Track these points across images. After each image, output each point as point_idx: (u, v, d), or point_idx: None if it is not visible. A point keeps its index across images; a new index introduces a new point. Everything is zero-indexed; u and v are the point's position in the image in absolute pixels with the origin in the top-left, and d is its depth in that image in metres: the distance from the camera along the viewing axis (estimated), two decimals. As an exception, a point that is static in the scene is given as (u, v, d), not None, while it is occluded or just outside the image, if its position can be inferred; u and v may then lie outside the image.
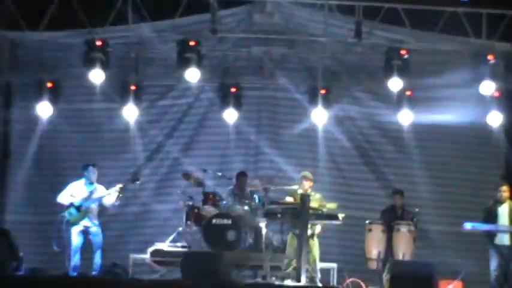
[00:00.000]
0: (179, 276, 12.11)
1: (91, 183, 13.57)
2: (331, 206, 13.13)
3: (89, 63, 14.27)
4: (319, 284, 12.79)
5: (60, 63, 14.88)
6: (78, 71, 14.63)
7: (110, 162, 15.08)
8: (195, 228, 14.02)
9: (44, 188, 15.07)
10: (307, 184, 13.24)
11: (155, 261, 13.80)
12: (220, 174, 14.57)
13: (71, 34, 14.45)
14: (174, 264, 13.29)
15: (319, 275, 13.12)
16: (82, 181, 13.60)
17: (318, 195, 13.26)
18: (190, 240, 13.93)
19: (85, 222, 13.37)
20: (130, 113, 15.01)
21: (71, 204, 13.38)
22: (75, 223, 13.31)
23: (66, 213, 13.33)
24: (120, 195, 13.53)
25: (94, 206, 13.49)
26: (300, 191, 13.14)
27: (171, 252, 13.60)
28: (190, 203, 14.09)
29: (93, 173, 13.57)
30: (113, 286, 11.67)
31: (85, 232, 13.37)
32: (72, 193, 13.47)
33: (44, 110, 14.78)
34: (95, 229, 13.39)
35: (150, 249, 13.81)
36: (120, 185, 13.51)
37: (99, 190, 13.55)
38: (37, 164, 15.30)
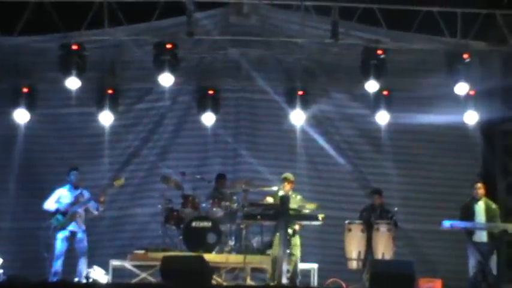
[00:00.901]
0: (159, 280, 12.05)
1: (76, 188, 13.48)
2: (311, 206, 13.14)
3: (65, 68, 14.21)
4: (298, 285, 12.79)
5: (36, 68, 14.79)
6: (54, 76, 14.55)
7: (87, 167, 14.95)
8: (174, 231, 13.98)
9: (22, 193, 14.98)
10: (288, 186, 13.23)
11: (135, 266, 13.73)
12: (199, 177, 14.53)
13: (47, 38, 14.37)
14: (154, 268, 13.25)
15: (299, 277, 13.12)
16: (67, 186, 13.51)
17: (299, 197, 13.25)
18: (170, 243, 13.88)
19: (72, 228, 13.28)
20: (107, 117, 14.97)
21: (57, 210, 13.29)
22: (62, 228, 13.22)
23: (53, 220, 13.25)
24: (102, 199, 13.46)
25: (81, 211, 13.39)
26: (280, 193, 13.13)
27: (151, 256, 13.53)
28: (170, 205, 14.05)
29: (74, 176, 13.48)
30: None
31: (70, 238, 13.27)
32: (58, 199, 13.38)
33: (21, 115, 14.70)
34: (80, 235, 13.31)
35: (130, 254, 13.76)
36: (102, 198, 13.41)
37: (85, 195, 13.46)
38: (14, 169, 15.19)
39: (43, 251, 13.25)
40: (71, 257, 13.38)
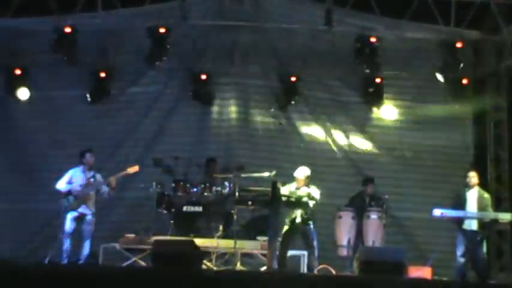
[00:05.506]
0: (150, 264, 12.08)
1: (89, 170, 13.39)
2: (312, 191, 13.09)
3: (58, 50, 14.19)
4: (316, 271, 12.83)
5: (29, 50, 14.74)
6: (47, 58, 14.52)
7: (79, 150, 14.91)
8: (166, 215, 13.99)
9: (14, 176, 14.97)
10: (300, 183, 13.15)
11: (126, 249, 13.75)
12: (190, 160, 14.47)
13: (40, 21, 14.33)
14: (145, 252, 13.28)
15: (317, 265, 13.02)
16: (80, 168, 13.42)
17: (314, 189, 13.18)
18: (161, 227, 13.89)
19: (82, 210, 13.21)
20: (99, 99, 14.94)
21: (69, 191, 13.20)
22: (73, 210, 13.15)
23: (64, 200, 13.17)
24: (114, 185, 13.33)
25: (92, 193, 13.31)
26: (294, 187, 13.10)
27: (142, 240, 13.56)
28: (161, 190, 14.03)
29: (89, 158, 13.37)
30: (84, 274, 11.56)
31: (79, 219, 13.19)
32: (70, 180, 13.28)
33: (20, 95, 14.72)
34: (89, 218, 13.22)
35: (121, 237, 13.77)
36: (114, 177, 13.35)
37: (97, 177, 13.38)
38: (5, 151, 15.18)
39: (58, 233, 13.16)
40: (75, 239, 13.29)
